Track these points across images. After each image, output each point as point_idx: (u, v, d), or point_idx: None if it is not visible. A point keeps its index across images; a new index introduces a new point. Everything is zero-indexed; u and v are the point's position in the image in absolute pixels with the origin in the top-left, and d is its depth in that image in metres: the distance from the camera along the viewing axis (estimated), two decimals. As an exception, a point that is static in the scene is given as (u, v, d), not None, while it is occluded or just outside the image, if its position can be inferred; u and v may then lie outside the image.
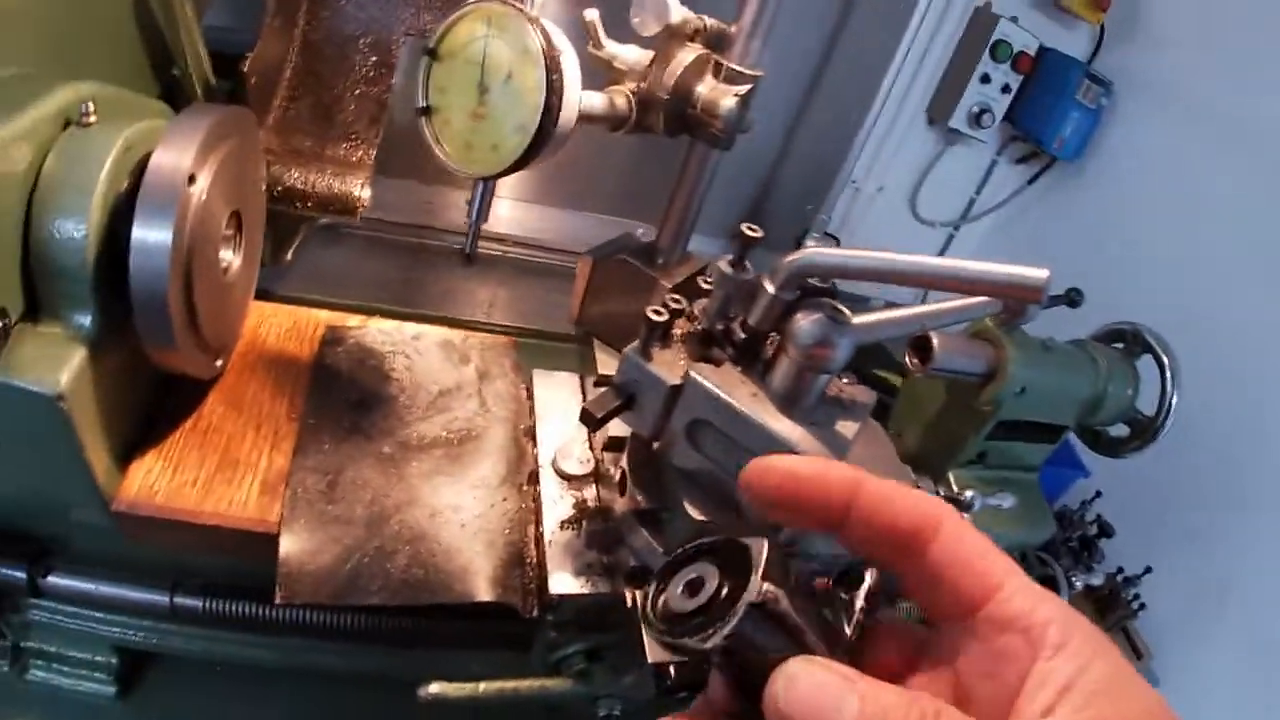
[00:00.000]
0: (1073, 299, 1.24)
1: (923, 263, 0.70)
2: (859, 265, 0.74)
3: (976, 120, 2.07)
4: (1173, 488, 1.85)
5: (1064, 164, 2.21)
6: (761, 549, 0.39)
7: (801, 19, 1.89)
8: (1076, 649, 0.34)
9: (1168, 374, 1.25)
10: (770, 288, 0.73)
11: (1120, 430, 1.32)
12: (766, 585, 0.38)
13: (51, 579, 0.90)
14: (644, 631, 0.40)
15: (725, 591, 0.39)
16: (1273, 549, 1.66)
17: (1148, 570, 1.75)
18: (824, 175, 2.16)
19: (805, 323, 0.71)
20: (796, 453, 0.70)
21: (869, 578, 0.45)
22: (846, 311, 0.73)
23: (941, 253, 2.48)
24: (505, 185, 1.90)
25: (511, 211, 1.91)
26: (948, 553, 0.38)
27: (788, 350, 0.73)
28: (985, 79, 2.03)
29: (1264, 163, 1.78)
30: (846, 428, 0.76)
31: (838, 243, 2.19)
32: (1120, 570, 1.80)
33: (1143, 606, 1.75)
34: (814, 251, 0.72)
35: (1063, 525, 1.80)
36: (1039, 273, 0.68)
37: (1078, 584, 1.39)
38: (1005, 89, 2.07)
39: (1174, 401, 1.25)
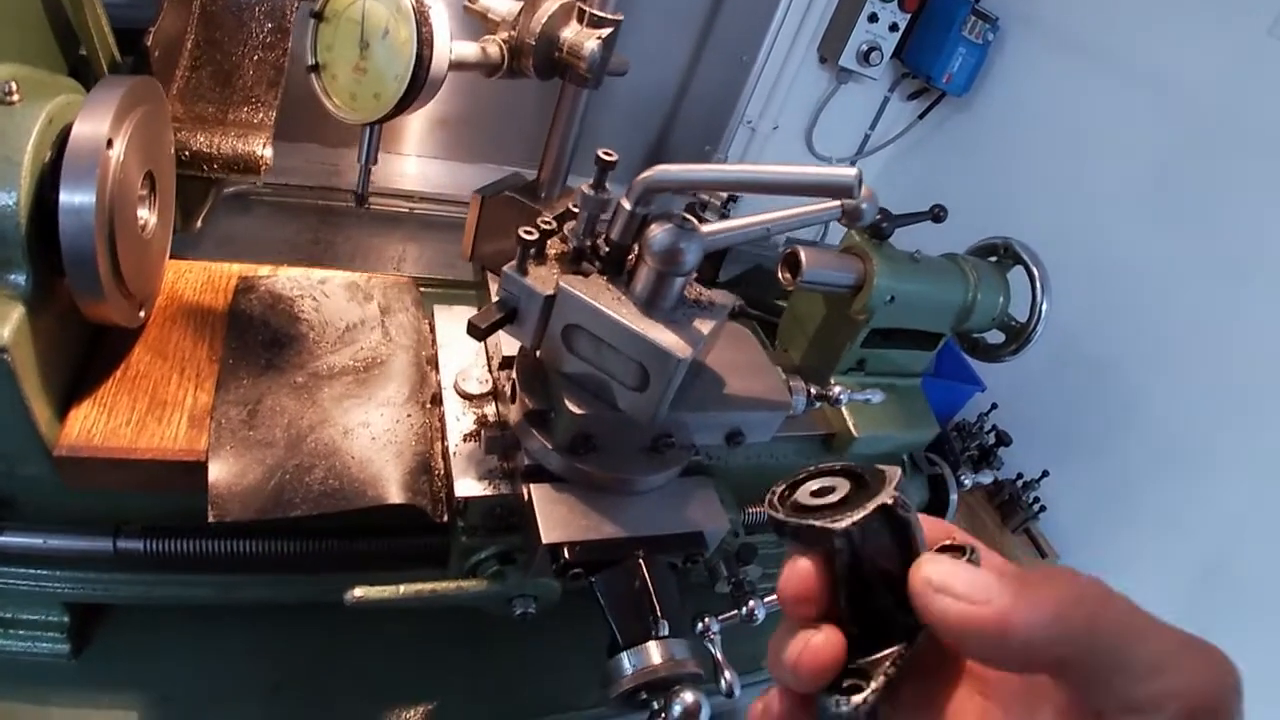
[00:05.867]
0: (937, 214, 1.37)
1: (751, 170, 0.85)
2: (699, 178, 0.88)
3: (865, 58, 2.21)
4: (1064, 397, 2.01)
5: (953, 98, 2.35)
6: (895, 473, 0.44)
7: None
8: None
9: (1038, 283, 1.37)
10: (627, 205, 0.87)
11: (996, 337, 1.45)
12: (899, 494, 0.43)
13: (3, 539, 0.99)
14: (770, 515, 0.44)
15: (854, 500, 0.43)
16: (1157, 446, 1.82)
17: (1045, 474, 1.92)
18: (720, 115, 2.27)
19: (659, 232, 0.85)
20: (657, 346, 0.83)
21: None
22: (694, 220, 0.86)
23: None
24: (410, 142, 1.99)
25: (418, 168, 1.99)
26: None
27: (645, 258, 0.86)
28: (873, 18, 2.16)
29: (1138, 92, 1.95)
30: (703, 325, 0.90)
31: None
32: (1020, 475, 1.97)
33: (1043, 509, 1.92)
34: (661, 169, 0.86)
35: (962, 436, 1.96)
36: (848, 171, 0.82)
37: (966, 482, 1.51)
38: (893, 27, 2.21)
39: (1044, 308, 1.37)
